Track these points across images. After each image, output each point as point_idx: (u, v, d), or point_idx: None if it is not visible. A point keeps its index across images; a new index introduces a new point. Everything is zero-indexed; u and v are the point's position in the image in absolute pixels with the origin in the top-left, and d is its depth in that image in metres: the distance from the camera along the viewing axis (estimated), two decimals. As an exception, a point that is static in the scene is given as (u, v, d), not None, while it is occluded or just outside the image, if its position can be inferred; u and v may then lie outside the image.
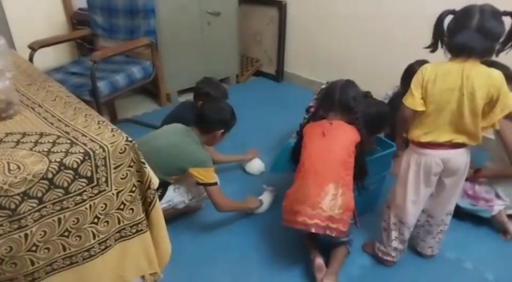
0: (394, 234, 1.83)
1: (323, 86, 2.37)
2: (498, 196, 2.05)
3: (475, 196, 2.09)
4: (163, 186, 2.01)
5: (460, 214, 2.15)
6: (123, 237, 1.42)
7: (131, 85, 2.82)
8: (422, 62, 1.73)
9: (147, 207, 1.45)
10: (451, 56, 1.54)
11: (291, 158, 1.94)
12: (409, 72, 2.16)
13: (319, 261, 1.80)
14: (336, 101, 1.85)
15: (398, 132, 1.83)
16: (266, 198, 2.30)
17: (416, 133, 1.64)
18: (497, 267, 1.90)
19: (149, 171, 1.38)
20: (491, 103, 1.50)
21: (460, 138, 1.58)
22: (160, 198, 1.98)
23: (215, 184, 1.99)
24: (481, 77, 1.48)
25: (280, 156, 2.26)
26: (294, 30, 3.91)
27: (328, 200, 1.68)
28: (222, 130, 2.06)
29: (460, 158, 1.63)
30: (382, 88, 2.73)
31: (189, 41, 3.61)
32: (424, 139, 1.62)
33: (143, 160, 1.35)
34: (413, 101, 1.58)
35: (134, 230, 1.43)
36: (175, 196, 2.05)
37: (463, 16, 1.48)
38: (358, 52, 3.43)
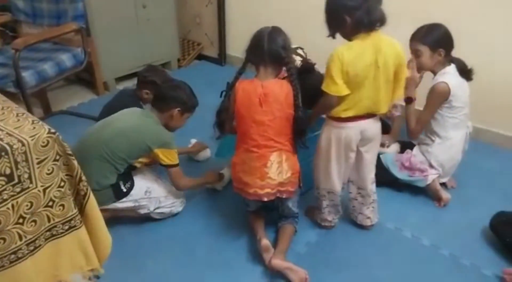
0: (325, 202, 1.93)
1: None
2: (431, 166, 2.16)
3: (411, 167, 2.19)
4: (130, 178, 1.97)
5: (398, 185, 2.26)
6: (55, 235, 1.34)
7: (61, 74, 2.65)
8: None
9: (81, 200, 1.37)
10: (354, 35, 1.60)
11: (217, 120, 1.87)
12: None
13: (265, 241, 1.82)
14: (265, 52, 1.72)
15: (316, 115, 1.83)
16: (227, 172, 2.28)
17: (337, 110, 1.70)
18: (433, 233, 2.01)
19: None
20: (397, 72, 1.64)
21: (376, 109, 1.70)
22: (128, 192, 1.93)
23: (177, 165, 1.99)
24: (389, 47, 1.61)
25: (225, 141, 2.23)
26: (234, 11, 3.84)
27: (274, 169, 1.73)
28: (179, 109, 1.99)
29: (374, 126, 1.77)
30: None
31: (123, 26, 3.43)
32: (345, 115, 1.69)
33: (70, 152, 1.27)
34: (338, 88, 1.62)
35: (66, 227, 1.35)
36: (143, 199, 1.98)
37: None
38: (303, 29, 3.41)
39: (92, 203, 1.39)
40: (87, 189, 1.36)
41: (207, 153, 2.62)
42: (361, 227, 2.04)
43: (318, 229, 2.05)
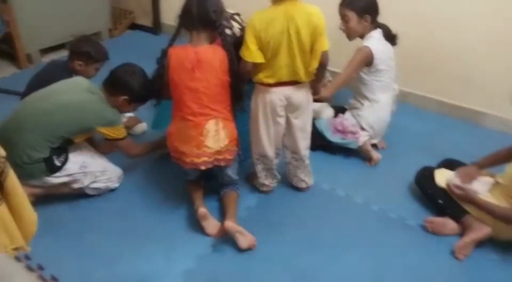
0: (259, 166, 1.99)
1: None
2: (362, 128, 2.27)
3: (343, 130, 2.28)
4: (65, 151, 1.89)
5: (332, 148, 2.36)
6: (-27, 215, 1.25)
7: (-26, 45, 2.42)
8: None
9: None
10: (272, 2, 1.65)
11: (150, 87, 1.88)
12: None
13: (202, 209, 1.82)
14: (195, 17, 1.68)
15: (242, 81, 1.83)
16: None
17: (260, 76, 1.75)
18: (365, 191, 2.14)
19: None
20: (315, 41, 1.67)
21: (298, 77, 1.74)
22: (62, 166, 1.86)
23: (125, 138, 1.95)
24: (303, 16, 1.62)
25: (161, 113, 2.19)
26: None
27: (211, 137, 1.72)
28: (126, 97, 1.90)
29: (300, 94, 1.80)
30: None
31: (46, -8, 3.17)
32: (267, 81, 1.74)
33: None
34: (252, 54, 1.66)
35: (-15, 205, 1.27)
36: (78, 174, 1.90)
37: None
38: None
39: (12, 180, 1.30)
40: (4, 165, 1.27)
41: (143, 126, 2.56)
42: (298, 189, 2.11)
43: (257, 193, 2.10)
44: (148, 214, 1.96)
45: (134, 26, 4.08)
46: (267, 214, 1.99)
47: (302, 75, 1.73)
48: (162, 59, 1.80)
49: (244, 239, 1.74)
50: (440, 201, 1.92)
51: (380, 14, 2.18)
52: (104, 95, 1.91)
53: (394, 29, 2.26)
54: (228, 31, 2.31)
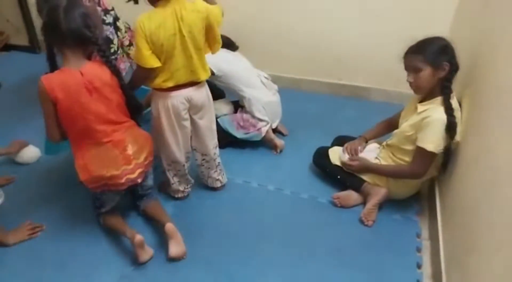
0: (172, 173, 1.97)
1: None
2: (260, 119, 2.37)
3: (245, 125, 2.35)
4: None
5: (239, 143, 2.42)
6: None
7: None
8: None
9: None
10: (154, 3, 1.60)
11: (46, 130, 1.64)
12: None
13: (140, 237, 1.67)
14: (66, 34, 1.46)
15: (135, 87, 1.77)
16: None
17: (157, 82, 1.70)
18: (275, 178, 2.24)
19: None
20: (207, 31, 1.68)
21: (196, 77, 1.73)
22: None
23: None
24: (191, 14, 1.60)
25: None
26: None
27: (135, 148, 1.67)
28: None
29: (201, 93, 1.80)
30: None
31: None
32: (165, 85, 1.70)
33: None
34: (146, 59, 1.61)
35: None
36: None
37: None
38: None
39: None
40: None
41: (32, 152, 2.35)
42: (213, 189, 2.14)
43: (173, 201, 2.08)
44: (59, 246, 1.83)
45: (9, 47, 3.73)
46: (186, 221, 1.97)
47: (200, 74, 1.73)
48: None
49: (176, 248, 1.71)
50: (339, 176, 2.08)
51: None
52: None
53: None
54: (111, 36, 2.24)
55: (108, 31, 2.24)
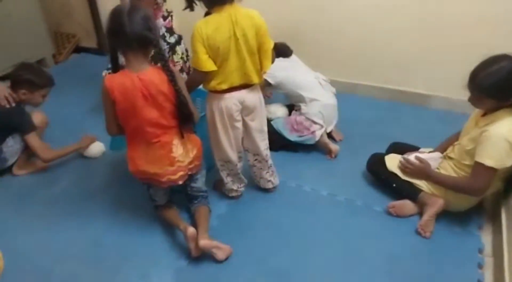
0: (225, 172, 2.02)
1: None
2: (314, 122, 2.36)
3: (299, 128, 2.35)
4: None
5: (292, 146, 2.42)
6: None
7: None
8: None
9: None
10: (211, 8, 1.68)
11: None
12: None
13: (192, 229, 1.75)
14: (130, 37, 1.51)
15: (190, 90, 1.79)
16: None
17: (211, 84, 1.76)
18: (329, 184, 2.22)
19: None
20: (261, 42, 1.72)
21: (249, 80, 1.78)
22: None
23: None
24: (246, 19, 1.66)
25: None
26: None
27: (180, 151, 1.72)
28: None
29: (253, 96, 1.84)
30: None
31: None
32: (220, 88, 1.76)
33: None
34: (204, 63, 1.67)
35: None
36: None
37: None
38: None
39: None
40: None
41: (99, 147, 2.50)
42: (266, 190, 2.16)
43: (227, 200, 2.12)
44: (120, 241, 1.92)
45: (79, 49, 4.00)
46: (239, 219, 2.01)
47: (253, 77, 1.77)
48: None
49: (221, 252, 1.75)
50: (394, 185, 2.01)
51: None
52: None
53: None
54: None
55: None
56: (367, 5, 2.75)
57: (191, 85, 1.81)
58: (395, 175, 2.00)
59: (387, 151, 2.18)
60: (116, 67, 1.67)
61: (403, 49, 2.79)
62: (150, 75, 1.60)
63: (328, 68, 2.83)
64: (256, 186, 2.17)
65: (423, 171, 1.91)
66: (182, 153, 1.73)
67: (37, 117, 2.32)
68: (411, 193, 1.95)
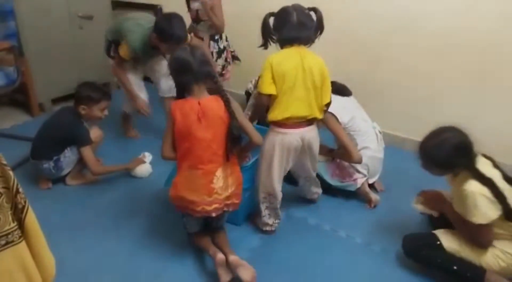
0: (265, 205, 2.06)
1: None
2: (357, 170, 2.35)
3: (341, 173, 2.37)
4: None
5: (332, 190, 2.42)
6: (-9, 251, 1.30)
7: (-8, 93, 2.57)
8: None
9: (19, 214, 1.34)
10: (282, 47, 1.89)
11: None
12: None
13: (221, 256, 1.80)
14: (196, 73, 1.73)
15: (253, 116, 2.05)
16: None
17: (275, 112, 1.87)
18: (365, 232, 2.18)
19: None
20: (323, 82, 1.88)
21: (311, 112, 1.88)
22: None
23: None
24: (312, 57, 1.86)
25: (174, 172, 2.23)
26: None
27: (220, 184, 1.78)
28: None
29: (313, 133, 1.97)
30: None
31: (59, 46, 3.41)
32: (283, 116, 1.85)
33: (4, 162, 1.25)
34: (267, 86, 1.84)
35: (3, 242, 1.30)
36: None
37: (283, 15, 1.85)
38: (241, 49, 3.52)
39: (31, 216, 1.36)
40: (24, 202, 1.33)
41: (145, 168, 2.62)
42: (310, 201, 2.34)
43: (260, 234, 2.14)
44: (154, 259, 1.97)
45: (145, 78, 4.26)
46: (270, 255, 2.01)
47: (316, 111, 1.90)
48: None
49: (247, 272, 1.75)
50: (455, 267, 1.76)
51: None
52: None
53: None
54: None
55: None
56: (418, 62, 2.80)
57: (256, 109, 1.96)
58: (453, 255, 1.77)
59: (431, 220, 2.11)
60: (181, 97, 1.82)
61: (454, 107, 2.77)
62: (209, 101, 1.77)
63: (377, 119, 2.85)
64: (290, 222, 2.19)
65: (438, 197, 1.92)
66: (221, 185, 1.77)
67: (94, 132, 2.49)
68: (476, 274, 1.73)
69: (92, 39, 3.59)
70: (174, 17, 2.41)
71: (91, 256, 1.97)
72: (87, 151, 2.39)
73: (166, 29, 2.36)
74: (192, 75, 1.74)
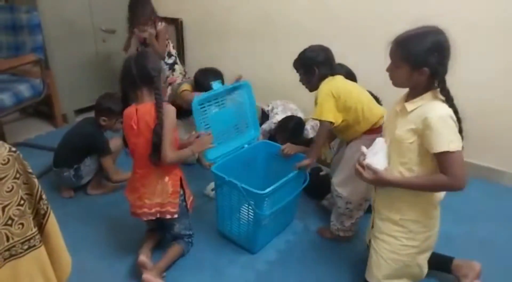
0: (359, 213, 2.07)
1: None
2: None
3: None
4: None
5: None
6: (14, 256, 1.33)
7: (19, 105, 2.66)
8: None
9: (40, 220, 1.38)
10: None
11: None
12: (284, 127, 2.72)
13: (142, 257, 1.85)
14: (135, 75, 1.73)
15: (318, 145, 1.98)
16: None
17: (361, 127, 1.92)
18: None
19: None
20: None
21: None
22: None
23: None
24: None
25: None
26: (193, 45, 4.00)
27: (152, 189, 1.81)
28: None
29: None
30: (270, 98, 2.98)
31: (83, 59, 3.50)
32: (369, 127, 1.92)
33: (30, 170, 1.29)
34: (334, 115, 1.87)
35: (26, 246, 1.34)
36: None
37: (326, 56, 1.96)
38: (259, 65, 3.52)
39: (52, 221, 1.40)
40: (47, 208, 1.37)
41: None
42: None
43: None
44: (98, 256, 2.01)
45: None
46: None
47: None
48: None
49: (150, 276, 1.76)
50: None
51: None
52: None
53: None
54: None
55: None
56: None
57: (321, 139, 1.98)
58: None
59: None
60: (126, 105, 1.84)
61: (477, 121, 2.69)
62: (143, 107, 1.75)
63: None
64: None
65: (381, 182, 1.52)
66: (153, 191, 1.81)
67: (113, 142, 2.53)
68: (443, 263, 1.81)
69: (114, 52, 3.69)
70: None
71: (103, 268, 1.98)
72: (107, 160, 2.44)
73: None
74: (131, 80, 1.76)
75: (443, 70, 1.40)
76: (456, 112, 1.41)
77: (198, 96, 2.04)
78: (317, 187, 2.36)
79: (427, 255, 1.65)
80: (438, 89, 1.43)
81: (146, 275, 1.77)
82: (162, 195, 1.81)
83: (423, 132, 1.40)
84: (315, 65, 1.94)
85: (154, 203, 1.81)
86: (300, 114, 2.95)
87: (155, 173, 1.80)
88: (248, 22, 3.48)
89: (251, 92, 2.25)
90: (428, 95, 1.44)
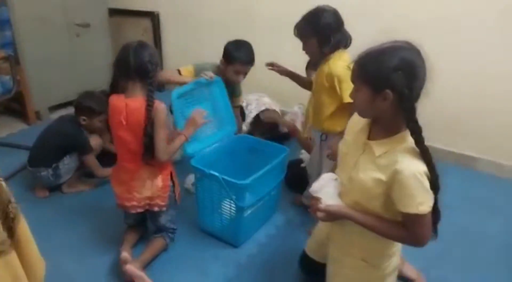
0: None
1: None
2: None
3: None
4: None
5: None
6: (-19, 262, 1.28)
7: (-12, 102, 2.56)
8: None
9: (10, 224, 1.33)
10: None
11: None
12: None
13: (124, 254, 1.82)
14: (132, 67, 1.65)
15: None
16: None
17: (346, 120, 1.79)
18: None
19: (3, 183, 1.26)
20: None
21: None
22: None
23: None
24: None
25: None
26: (169, 39, 3.93)
27: (141, 182, 1.79)
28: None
29: None
30: (249, 91, 2.96)
31: (56, 54, 3.40)
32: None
33: (-5, 173, 1.24)
34: None
35: (-5, 252, 1.29)
36: None
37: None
38: None
39: (22, 225, 1.34)
40: (15, 211, 1.31)
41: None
42: None
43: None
44: (73, 257, 1.97)
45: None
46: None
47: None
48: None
49: None
50: None
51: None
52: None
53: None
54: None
55: None
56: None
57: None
58: None
59: None
60: (113, 92, 1.76)
61: (452, 105, 2.74)
62: (134, 102, 1.68)
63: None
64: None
65: (337, 216, 1.35)
66: (143, 185, 1.79)
67: (93, 141, 2.48)
68: None
69: (88, 46, 3.60)
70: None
71: (87, 267, 1.94)
72: (90, 158, 2.42)
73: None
74: (127, 70, 1.67)
75: (410, 95, 1.12)
76: (431, 164, 1.17)
77: (176, 90, 2.00)
78: (298, 179, 2.35)
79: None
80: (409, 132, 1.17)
81: (129, 266, 1.73)
82: (152, 189, 1.80)
83: (391, 185, 1.19)
84: (332, 34, 1.70)
85: (144, 197, 1.79)
86: (275, 107, 2.94)
87: (146, 169, 1.78)
88: (225, 15, 3.46)
89: (223, 88, 2.21)
90: (398, 137, 1.21)
